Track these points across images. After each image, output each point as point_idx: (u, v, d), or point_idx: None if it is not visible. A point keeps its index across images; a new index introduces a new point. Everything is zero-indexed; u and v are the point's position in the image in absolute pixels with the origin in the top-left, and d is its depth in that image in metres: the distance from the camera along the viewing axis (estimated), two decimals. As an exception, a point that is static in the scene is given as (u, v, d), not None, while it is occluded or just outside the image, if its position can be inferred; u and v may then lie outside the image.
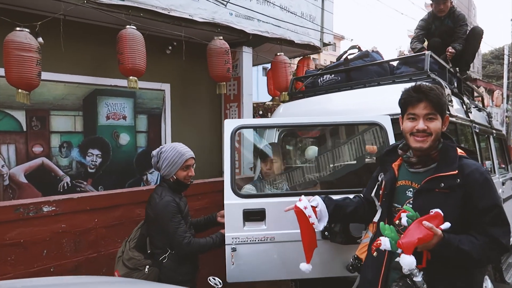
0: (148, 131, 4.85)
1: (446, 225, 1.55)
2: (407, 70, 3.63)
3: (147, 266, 2.58)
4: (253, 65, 6.13)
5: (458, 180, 1.63)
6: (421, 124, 1.69)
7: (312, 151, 4.14)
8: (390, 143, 2.84)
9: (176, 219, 2.50)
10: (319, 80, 4.00)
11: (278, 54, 5.41)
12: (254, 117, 6.50)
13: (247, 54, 5.28)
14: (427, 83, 1.82)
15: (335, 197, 2.27)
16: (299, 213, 2.08)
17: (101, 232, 3.27)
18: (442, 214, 1.59)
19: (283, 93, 5.39)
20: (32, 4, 3.77)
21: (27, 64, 3.35)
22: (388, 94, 3.27)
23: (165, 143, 4.86)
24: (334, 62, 4.18)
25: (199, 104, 5.34)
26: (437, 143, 1.75)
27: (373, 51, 3.88)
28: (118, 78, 4.16)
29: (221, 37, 4.60)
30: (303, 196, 2.17)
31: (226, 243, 2.68)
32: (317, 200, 2.12)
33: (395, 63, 3.92)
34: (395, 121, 3.02)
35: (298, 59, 6.31)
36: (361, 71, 3.70)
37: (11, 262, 2.80)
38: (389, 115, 2.97)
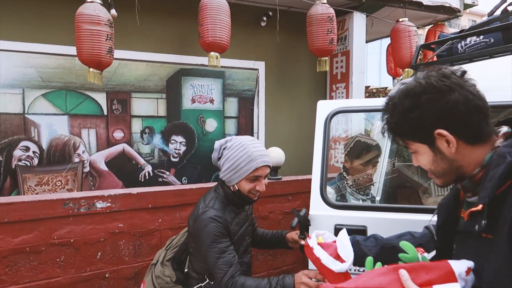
0: (239, 116, 4.24)
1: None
2: None
3: None
4: (366, 41, 5.06)
5: (484, 221, 0.98)
6: (413, 160, 1.18)
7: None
8: None
9: (219, 245, 1.75)
10: (459, 45, 2.83)
11: (401, 20, 4.25)
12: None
13: (359, 23, 4.25)
14: (391, 94, 1.13)
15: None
16: (310, 254, 1.47)
17: (166, 235, 2.75)
18: (458, 269, 0.99)
19: (406, 70, 4.24)
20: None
21: (95, 39, 2.98)
22: None
23: (258, 130, 4.20)
24: (482, 20, 2.95)
25: (299, 85, 4.52)
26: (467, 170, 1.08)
27: (552, -5, 2.56)
28: (204, 56, 3.60)
29: (325, 1, 3.70)
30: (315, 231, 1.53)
31: (309, 268, 1.90)
32: (327, 233, 1.53)
33: None
34: None
35: (428, 28, 5.00)
36: (530, 26, 2.45)
37: (60, 264, 2.44)
38: None
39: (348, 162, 2.49)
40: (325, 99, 4.60)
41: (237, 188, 1.83)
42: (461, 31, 3.10)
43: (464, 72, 1.06)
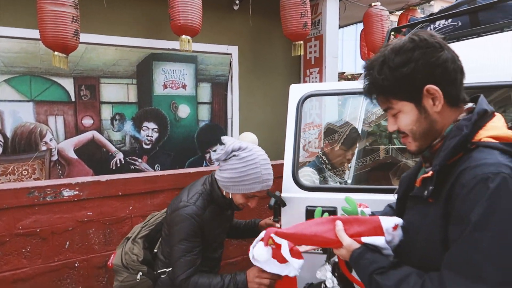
0: (212, 102, 4.19)
1: (371, 239, 1.10)
2: None
3: (140, 273, 1.91)
4: (339, 26, 5.06)
5: (431, 187, 1.03)
6: (389, 124, 1.16)
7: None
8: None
9: (188, 244, 1.74)
10: (428, 28, 2.86)
11: (373, 4, 4.26)
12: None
13: (332, 7, 4.23)
14: (373, 56, 1.13)
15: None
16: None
17: (138, 222, 2.69)
18: (386, 224, 1.11)
19: (378, 54, 4.27)
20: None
21: (60, 21, 2.85)
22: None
23: (232, 116, 4.17)
24: (451, 4, 2.98)
25: (273, 70, 4.49)
26: (440, 133, 1.09)
27: (517, -21, 2.60)
28: (176, 40, 3.51)
29: (298, -16, 3.66)
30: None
31: None
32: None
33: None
34: None
35: (400, 13, 5.05)
36: (496, 9, 2.49)
37: (26, 255, 2.36)
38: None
39: (329, 147, 2.49)
40: (299, 83, 4.60)
41: (230, 197, 1.78)
42: (431, 14, 3.13)
43: (445, 38, 1.09)
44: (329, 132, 2.50)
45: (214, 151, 4.26)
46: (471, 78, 1.86)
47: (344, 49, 17.13)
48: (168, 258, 1.86)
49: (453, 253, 0.94)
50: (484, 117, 1.04)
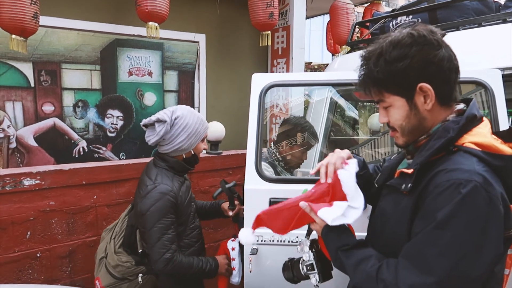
0: (179, 90, 4.15)
1: (326, 214, 1.16)
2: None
3: (140, 275, 1.95)
4: (306, 17, 5.12)
5: (410, 184, 1.08)
6: (380, 116, 1.19)
7: (377, 120, 3.17)
8: (499, 111, 1.90)
9: (166, 222, 1.81)
10: (390, 24, 2.97)
11: (339, -3, 4.34)
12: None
13: (299, -2, 4.28)
14: (372, 46, 1.14)
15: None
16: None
17: (103, 212, 2.68)
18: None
19: (344, 46, 4.37)
20: None
21: (18, 2, 2.72)
22: (496, 38, 2.25)
23: (199, 105, 4.16)
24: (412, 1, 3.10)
25: (240, 59, 4.50)
26: (428, 130, 1.13)
27: (472, -20, 2.74)
28: (142, 26, 3.44)
29: (265, -27, 3.66)
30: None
31: None
32: None
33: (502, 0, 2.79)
34: (507, 79, 2.01)
35: (366, 6, 5.16)
36: (453, 8, 2.62)
37: (-16, 246, 2.30)
38: (501, 69, 1.98)
39: (283, 142, 2.54)
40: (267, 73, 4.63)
41: (193, 153, 1.97)
42: (393, 10, 3.25)
43: (444, 35, 1.10)
44: (284, 126, 2.56)
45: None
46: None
47: (311, 39, 17.26)
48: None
49: (412, 244, 1.00)
50: (472, 122, 1.08)
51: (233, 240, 2.16)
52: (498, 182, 0.99)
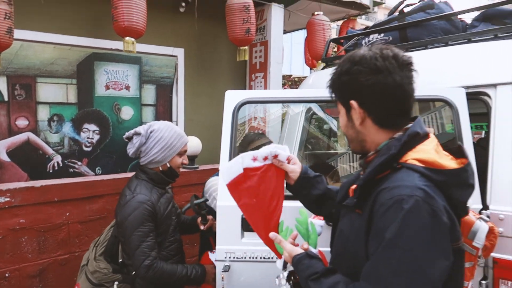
0: (157, 104, 4.14)
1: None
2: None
3: (116, 283, 1.99)
4: (285, 32, 5.21)
5: (354, 199, 1.13)
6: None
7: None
8: (463, 127, 1.97)
9: (144, 229, 1.88)
10: (363, 41, 3.05)
11: (316, 13, 4.44)
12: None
13: (277, 14, 4.35)
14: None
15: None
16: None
17: (75, 229, 2.64)
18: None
19: (319, 62, 4.45)
20: None
21: (-9, 17, 2.70)
22: (461, 57, 2.33)
23: (177, 118, 4.15)
24: (383, 19, 3.19)
25: (219, 73, 4.53)
26: (373, 147, 1.17)
27: (440, 1, 2.84)
28: (119, 40, 3.43)
29: (243, -10, 3.72)
30: None
31: (217, 259, 2.01)
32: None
33: (468, 20, 2.90)
34: (472, 97, 2.09)
35: (342, 22, 5.28)
36: (422, 27, 2.70)
37: (-50, 266, 2.23)
38: (464, 87, 2.06)
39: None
40: (245, 87, 4.68)
41: (168, 166, 2.03)
42: (365, 28, 3.33)
43: (405, 62, 1.11)
44: (245, 141, 2.59)
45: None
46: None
47: (293, 52, 17.47)
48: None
49: (369, 266, 1.03)
50: (415, 139, 1.10)
51: (212, 252, 2.17)
52: (440, 196, 1.02)
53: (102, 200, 2.70)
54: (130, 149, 2.05)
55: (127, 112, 3.95)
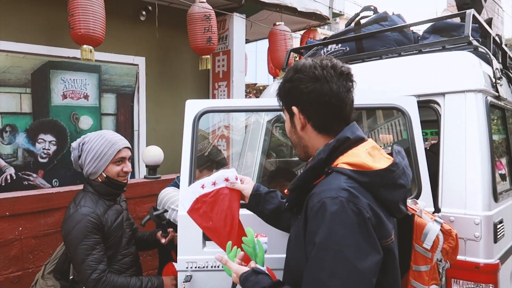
0: (117, 113, 4.05)
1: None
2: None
3: None
4: (249, 41, 5.27)
5: (286, 203, 1.21)
6: None
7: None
8: (415, 134, 2.06)
9: (89, 242, 1.80)
10: (322, 51, 3.13)
11: (277, 23, 4.52)
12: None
13: (239, 23, 4.40)
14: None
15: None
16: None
17: (29, 244, 2.52)
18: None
19: (281, 71, 4.52)
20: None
21: None
22: (413, 67, 2.44)
23: (138, 128, 4.08)
24: (341, 30, 3.30)
25: (182, 82, 4.50)
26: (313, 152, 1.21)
27: (393, 13, 2.98)
28: (77, 48, 3.34)
29: (204, 0, 3.74)
30: None
31: (178, 269, 1.97)
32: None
33: (420, 31, 3.05)
34: (422, 105, 2.19)
35: (303, 32, 5.41)
36: (376, 38, 2.81)
37: None
38: (415, 96, 2.16)
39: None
40: (208, 96, 4.67)
41: (105, 176, 1.93)
42: (324, 38, 3.43)
43: (343, 72, 1.15)
44: (207, 157, 2.60)
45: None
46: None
47: (258, 61, 17.63)
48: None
49: (307, 271, 1.04)
50: (345, 144, 1.14)
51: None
52: (366, 195, 1.05)
53: (58, 213, 2.59)
54: (73, 164, 2.01)
55: (85, 122, 3.84)
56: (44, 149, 3.59)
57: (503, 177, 2.42)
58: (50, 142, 3.63)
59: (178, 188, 2.40)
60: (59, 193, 2.62)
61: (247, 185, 1.50)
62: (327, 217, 1.00)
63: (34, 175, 3.54)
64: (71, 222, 1.80)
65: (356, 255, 0.98)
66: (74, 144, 1.96)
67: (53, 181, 3.64)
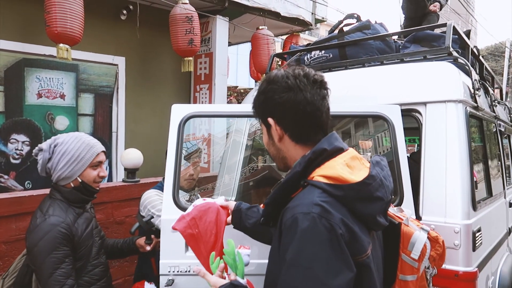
0: (95, 114, 3.95)
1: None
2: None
3: None
4: (231, 44, 5.24)
5: (262, 218, 1.17)
6: None
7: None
8: (399, 142, 2.07)
9: (58, 255, 1.65)
10: (305, 57, 3.14)
11: (260, 28, 4.52)
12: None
13: (222, 26, 4.36)
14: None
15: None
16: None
17: (0, 250, 2.41)
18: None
19: (263, 75, 4.52)
20: None
21: None
22: (395, 76, 2.47)
23: (117, 130, 3.98)
24: (325, 36, 3.32)
25: (162, 83, 4.42)
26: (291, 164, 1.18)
27: (376, 22, 3.01)
28: (53, 46, 3.23)
29: (187, 1, 3.69)
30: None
31: (160, 273, 1.92)
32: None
33: (399, 40, 3.10)
34: (404, 113, 2.22)
35: (286, 37, 5.43)
36: (359, 46, 2.83)
37: None
38: (399, 104, 2.18)
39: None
40: (190, 99, 4.62)
41: (80, 181, 1.79)
42: (307, 44, 3.44)
43: (316, 80, 1.13)
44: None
45: (96, 166, 4.02)
46: (337, 107, 2.09)
47: (239, 64, 17.61)
48: None
49: (279, 286, 1.00)
50: (322, 155, 1.09)
51: (150, 283, 2.05)
52: (340, 210, 1.02)
53: (30, 217, 2.48)
54: (38, 168, 1.81)
55: (61, 122, 3.72)
56: (16, 149, 3.46)
57: (475, 185, 2.48)
58: (23, 142, 3.50)
59: (162, 191, 2.35)
60: (32, 197, 2.51)
61: (231, 202, 1.54)
62: (298, 234, 0.97)
63: (6, 176, 3.40)
64: (38, 233, 1.64)
65: (327, 273, 0.95)
66: (43, 146, 1.77)
67: (26, 183, 3.51)
